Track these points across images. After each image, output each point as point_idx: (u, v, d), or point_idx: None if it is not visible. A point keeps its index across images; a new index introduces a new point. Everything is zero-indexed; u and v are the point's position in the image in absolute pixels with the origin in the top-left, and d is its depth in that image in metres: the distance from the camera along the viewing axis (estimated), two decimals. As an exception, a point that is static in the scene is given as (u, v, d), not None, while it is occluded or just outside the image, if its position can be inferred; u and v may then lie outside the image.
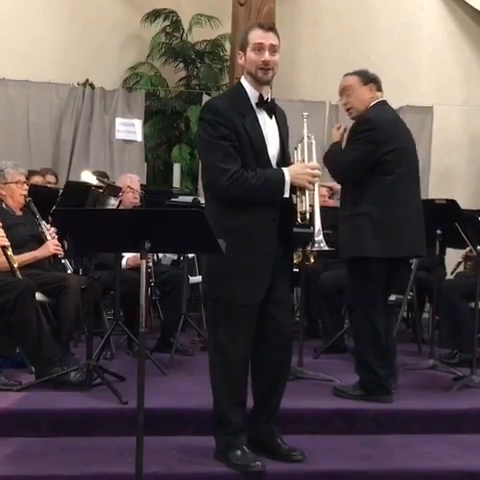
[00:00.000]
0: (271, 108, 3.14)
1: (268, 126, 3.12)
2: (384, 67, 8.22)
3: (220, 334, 3.11)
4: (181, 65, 8.59)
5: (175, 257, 6.10)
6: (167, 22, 8.43)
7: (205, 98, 7.82)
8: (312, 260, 5.46)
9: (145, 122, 8.03)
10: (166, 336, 5.07)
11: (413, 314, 5.90)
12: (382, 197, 3.80)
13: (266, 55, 3.02)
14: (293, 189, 3.13)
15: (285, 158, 3.20)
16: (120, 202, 4.43)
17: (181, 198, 6.21)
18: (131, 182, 5.28)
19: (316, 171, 3.15)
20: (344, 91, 4.00)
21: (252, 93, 3.11)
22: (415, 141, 4.08)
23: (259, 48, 3.02)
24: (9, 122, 7.52)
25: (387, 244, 3.80)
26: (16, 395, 3.75)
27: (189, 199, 5.91)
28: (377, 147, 3.78)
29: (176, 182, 8.06)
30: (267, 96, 3.14)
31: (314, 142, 3.28)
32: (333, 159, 3.97)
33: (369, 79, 4.00)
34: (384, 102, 4.00)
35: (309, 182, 3.11)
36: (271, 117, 3.14)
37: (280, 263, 3.17)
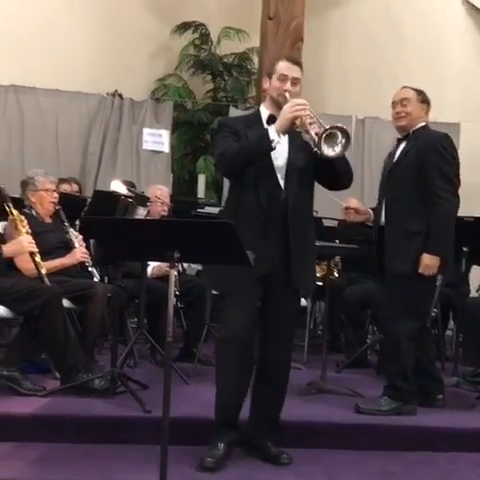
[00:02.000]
0: None
1: (276, 138, 3.17)
2: (410, 82, 8.22)
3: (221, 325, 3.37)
4: (209, 77, 8.67)
5: (200, 267, 6.12)
6: (196, 35, 8.51)
7: (232, 110, 7.87)
8: (336, 274, 5.48)
9: (172, 133, 8.10)
10: (189, 346, 5.09)
11: (437, 331, 5.86)
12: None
13: (288, 85, 3.27)
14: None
15: (301, 174, 3.25)
16: (148, 212, 4.47)
17: (207, 209, 6.24)
18: (162, 194, 5.32)
19: (298, 100, 3.17)
20: (401, 101, 4.06)
21: (265, 113, 3.34)
22: None
23: (283, 78, 3.28)
24: (39, 131, 7.60)
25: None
26: (41, 400, 3.77)
27: (215, 210, 5.94)
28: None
29: (201, 193, 8.11)
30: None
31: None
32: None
33: (425, 99, 4.10)
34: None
35: (298, 110, 3.12)
36: (284, 134, 3.19)
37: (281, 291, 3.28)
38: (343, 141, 3.05)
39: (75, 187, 6.54)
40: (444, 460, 3.55)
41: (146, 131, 7.81)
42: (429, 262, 3.85)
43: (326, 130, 3.03)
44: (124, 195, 4.22)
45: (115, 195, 4.28)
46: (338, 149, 3.06)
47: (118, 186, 4.51)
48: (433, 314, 5.28)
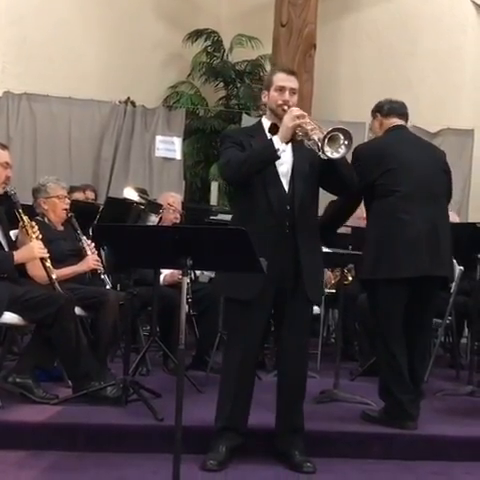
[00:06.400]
0: None
1: (280, 147, 3.22)
2: (424, 89, 8.23)
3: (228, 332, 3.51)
4: (221, 84, 8.68)
5: (213, 275, 6.09)
6: (208, 42, 8.53)
7: (244, 117, 7.88)
8: (350, 278, 5.45)
9: (184, 140, 8.10)
10: (201, 354, 5.07)
11: (452, 339, 5.82)
12: (381, 218, 3.77)
13: (286, 95, 3.33)
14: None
15: (305, 180, 3.29)
16: (160, 219, 4.45)
17: (220, 216, 6.22)
18: (174, 202, 5.32)
19: (296, 110, 3.22)
20: None
21: (267, 124, 3.38)
22: (447, 163, 3.97)
23: (281, 89, 3.34)
24: (51, 138, 7.65)
25: (383, 265, 3.72)
26: (53, 408, 3.76)
27: (228, 217, 5.91)
28: (365, 176, 3.72)
29: (214, 200, 8.10)
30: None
31: None
32: None
33: (375, 109, 4.03)
34: (394, 127, 3.94)
35: (299, 118, 3.16)
36: (287, 143, 3.24)
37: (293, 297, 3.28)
38: (346, 142, 3.10)
39: (91, 194, 6.53)
40: (459, 470, 3.50)
41: (158, 138, 7.84)
42: None
43: (328, 133, 3.07)
44: (136, 202, 4.21)
45: (127, 202, 4.27)
46: (342, 150, 3.10)
47: (130, 193, 4.50)
48: (448, 322, 5.25)
